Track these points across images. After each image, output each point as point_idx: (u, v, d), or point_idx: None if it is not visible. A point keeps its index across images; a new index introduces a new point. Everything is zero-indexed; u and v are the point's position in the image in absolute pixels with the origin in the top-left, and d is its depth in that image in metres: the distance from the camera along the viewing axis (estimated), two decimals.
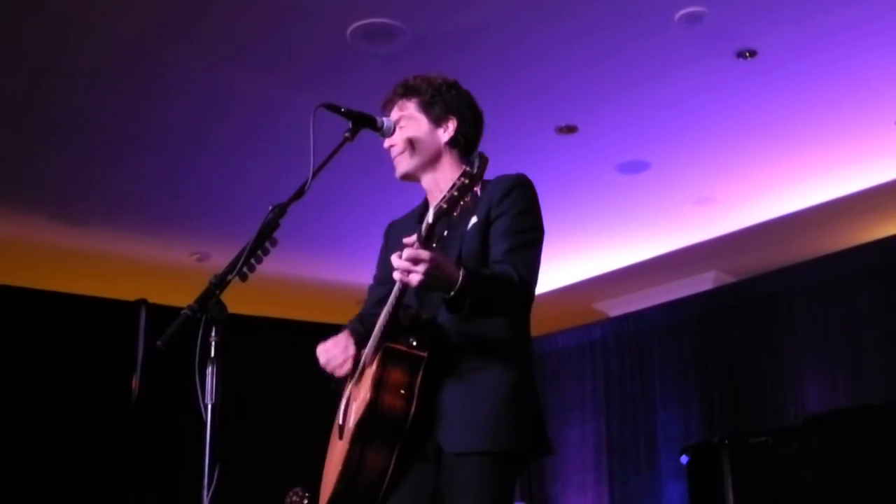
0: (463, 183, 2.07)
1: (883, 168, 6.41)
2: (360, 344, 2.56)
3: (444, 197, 2.09)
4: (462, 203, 2.09)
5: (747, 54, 5.00)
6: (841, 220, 7.18)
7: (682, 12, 4.62)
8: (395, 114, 2.61)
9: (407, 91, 2.61)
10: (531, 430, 2.42)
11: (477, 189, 2.14)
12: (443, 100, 2.59)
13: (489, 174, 2.56)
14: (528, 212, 2.46)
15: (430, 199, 2.64)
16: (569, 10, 4.64)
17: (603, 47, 4.96)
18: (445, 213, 2.09)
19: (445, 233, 2.48)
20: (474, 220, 2.45)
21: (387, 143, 2.60)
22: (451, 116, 2.58)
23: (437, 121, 2.57)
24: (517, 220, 2.43)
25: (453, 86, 2.63)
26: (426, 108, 2.58)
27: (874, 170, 6.43)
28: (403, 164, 2.59)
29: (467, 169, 2.08)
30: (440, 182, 2.55)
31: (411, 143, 2.56)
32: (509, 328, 2.43)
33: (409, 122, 2.58)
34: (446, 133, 2.57)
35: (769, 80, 5.28)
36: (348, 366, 2.53)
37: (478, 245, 2.43)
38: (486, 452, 2.32)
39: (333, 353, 2.54)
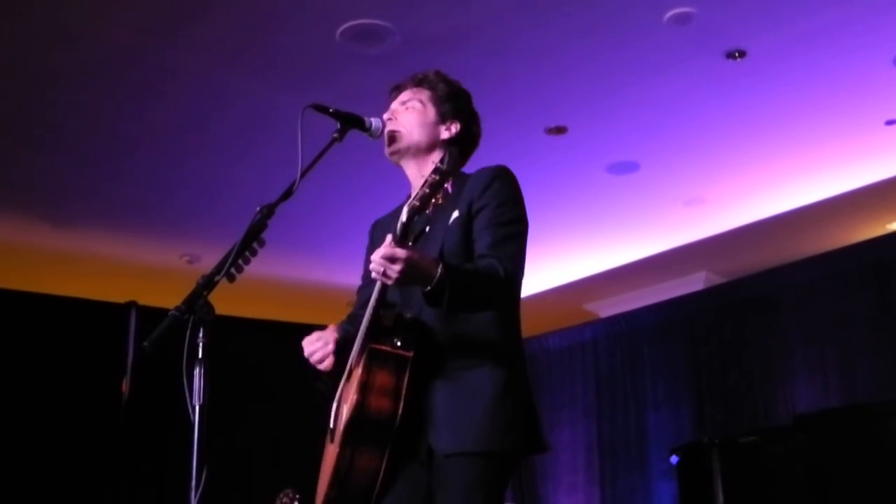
0: (434, 179, 2.10)
1: (873, 168, 6.43)
2: (347, 341, 2.53)
3: (417, 195, 2.11)
4: (434, 200, 2.12)
5: (736, 55, 5.00)
6: (831, 220, 7.20)
7: (671, 13, 4.62)
8: (406, 95, 2.63)
9: (424, 81, 2.65)
10: (523, 429, 2.38)
11: (448, 186, 2.15)
12: (455, 102, 2.63)
13: (473, 167, 2.55)
14: (510, 203, 2.45)
15: (412, 193, 2.63)
16: (558, 12, 4.64)
17: (592, 48, 4.96)
18: (419, 210, 2.11)
19: (427, 229, 2.48)
20: (456, 214, 2.44)
21: (387, 115, 2.60)
22: (457, 119, 2.61)
23: (443, 117, 2.60)
24: (499, 213, 2.42)
25: (468, 97, 2.68)
26: (438, 102, 2.61)
27: (864, 170, 6.45)
28: (399, 140, 2.58)
29: (438, 165, 2.12)
30: (426, 176, 2.56)
31: (414, 125, 2.57)
32: (497, 325, 2.41)
33: (417, 105, 2.60)
34: (447, 132, 2.59)
35: (759, 80, 5.29)
36: (329, 362, 2.50)
37: (460, 239, 2.42)
38: (476, 453, 2.29)
39: (314, 346, 2.51)
